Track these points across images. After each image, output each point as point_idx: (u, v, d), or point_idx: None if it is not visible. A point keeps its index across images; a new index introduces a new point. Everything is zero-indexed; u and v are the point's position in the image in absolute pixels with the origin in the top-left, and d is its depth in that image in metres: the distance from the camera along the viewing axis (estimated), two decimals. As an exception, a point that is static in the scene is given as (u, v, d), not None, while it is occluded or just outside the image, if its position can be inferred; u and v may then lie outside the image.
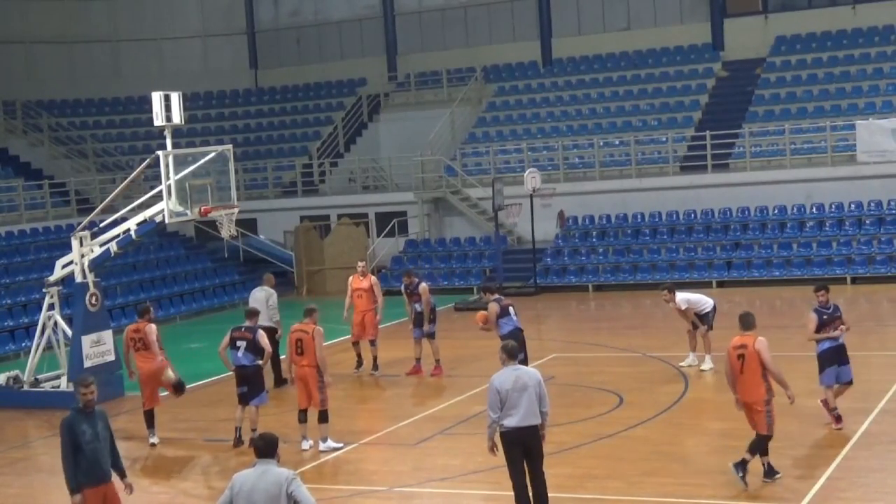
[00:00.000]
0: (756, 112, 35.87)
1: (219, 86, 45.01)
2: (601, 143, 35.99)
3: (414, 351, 21.33)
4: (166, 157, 19.31)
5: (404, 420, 17.97)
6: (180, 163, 19.67)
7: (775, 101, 36.20)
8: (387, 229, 35.49)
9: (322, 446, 16.24)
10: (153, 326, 17.46)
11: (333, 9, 44.90)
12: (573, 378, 20.08)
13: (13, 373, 21.55)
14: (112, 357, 20.93)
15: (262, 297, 20.76)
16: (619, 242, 32.78)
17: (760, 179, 32.70)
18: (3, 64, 41.25)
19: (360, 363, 21.92)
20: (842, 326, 15.36)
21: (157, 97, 19.30)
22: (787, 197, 31.88)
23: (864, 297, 27.92)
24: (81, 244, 20.63)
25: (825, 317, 15.39)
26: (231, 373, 17.15)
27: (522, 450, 11.87)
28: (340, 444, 16.35)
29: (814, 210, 31.67)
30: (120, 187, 22.71)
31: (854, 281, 29.13)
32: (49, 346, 21.35)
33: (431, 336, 21.17)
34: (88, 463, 10.78)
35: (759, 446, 13.35)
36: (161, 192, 19.38)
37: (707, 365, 19.87)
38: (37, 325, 21.58)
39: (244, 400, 16.74)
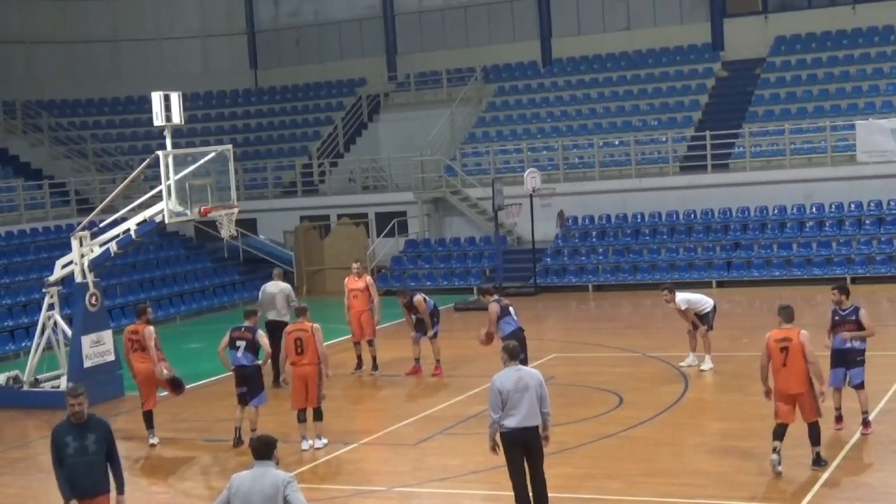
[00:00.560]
0: (756, 112, 35.85)
1: (219, 86, 45.00)
2: (601, 143, 35.98)
3: (413, 351, 21.34)
4: (166, 157, 19.31)
5: (404, 420, 17.95)
6: (180, 163, 19.67)
7: (775, 101, 36.19)
8: (387, 229, 35.47)
9: (318, 444, 16.28)
10: (151, 330, 17.36)
11: (333, 9, 44.88)
12: (573, 378, 20.06)
13: (13, 373, 21.53)
14: (112, 357, 20.93)
15: (276, 291, 20.79)
16: (619, 242, 32.76)
17: (760, 179, 32.69)
18: (3, 64, 41.24)
19: (359, 364, 21.91)
20: (845, 333, 15.17)
21: (156, 97, 19.30)
22: (786, 197, 31.87)
23: (864, 297, 27.74)
24: (81, 244, 20.61)
25: (836, 318, 15.34)
26: (230, 373, 17.15)
27: (523, 450, 11.87)
28: (326, 441, 16.43)
29: (813, 210, 31.66)
30: (120, 187, 22.72)
31: (854, 281, 29.04)
32: (49, 346, 21.32)
33: (433, 336, 21.22)
34: (67, 478, 10.44)
35: (817, 433, 13.61)
36: (161, 192, 19.38)
37: (707, 365, 19.88)
38: (37, 325, 21.55)
39: (244, 400, 16.73)
